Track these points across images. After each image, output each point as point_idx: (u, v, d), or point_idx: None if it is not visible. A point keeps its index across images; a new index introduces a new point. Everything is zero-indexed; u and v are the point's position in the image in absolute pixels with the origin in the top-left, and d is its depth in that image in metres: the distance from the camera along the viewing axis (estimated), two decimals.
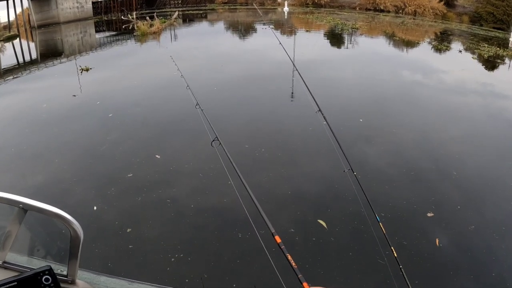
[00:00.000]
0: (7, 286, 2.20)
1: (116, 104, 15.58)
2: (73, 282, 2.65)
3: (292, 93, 16.02)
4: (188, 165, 10.52)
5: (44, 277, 2.30)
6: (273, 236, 3.58)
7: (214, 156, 5.15)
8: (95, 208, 8.54)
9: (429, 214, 8.51)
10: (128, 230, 7.92)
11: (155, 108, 15.06)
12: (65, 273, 2.62)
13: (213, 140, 5.02)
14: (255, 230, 4.01)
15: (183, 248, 7.36)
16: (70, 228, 2.46)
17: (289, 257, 3.37)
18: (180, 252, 7.24)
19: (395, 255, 4.92)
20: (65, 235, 2.55)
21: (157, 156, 10.79)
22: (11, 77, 22.25)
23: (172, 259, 7.08)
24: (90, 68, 21.68)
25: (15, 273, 2.45)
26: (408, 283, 4.62)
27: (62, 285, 2.43)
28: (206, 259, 7.14)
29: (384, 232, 5.09)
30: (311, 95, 6.49)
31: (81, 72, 21.15)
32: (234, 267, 6.92)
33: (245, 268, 6.81)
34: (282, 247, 3.49)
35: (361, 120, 13.50)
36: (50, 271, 2.32)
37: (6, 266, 2.57)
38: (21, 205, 2.42)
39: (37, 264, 2.63)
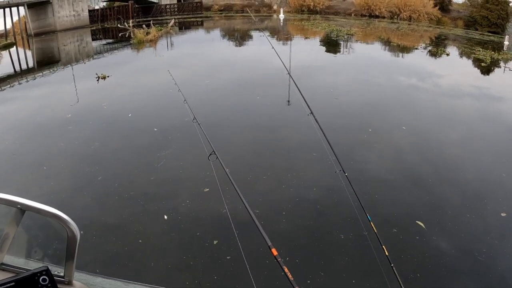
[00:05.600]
0: (5, 287, 2.20)
1: (150, 118, 14.85)
2: (69, 283, 2.65)
3: (288, 100, 16.08)
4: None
5: (41, 278, 2.30)
6: (270, 249, 3.64)
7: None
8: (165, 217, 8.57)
9: (503, 214, 8.71)
10: None
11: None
12: (61, 274, 2.62)
13: (210, 154, 5.12)
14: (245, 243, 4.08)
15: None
16: (67, 229, 2.48)
17: (286, 270, 3.44)
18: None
19: (387, 253, 5.00)
20: (62, 236, 2.55)
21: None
22: (8, 85, 22.22)
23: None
24: (108, 76, 21.39)
25: (12, 274, 2.44)
26: (400, 281, 4.70)
27: (59, 285, 2.42)
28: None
29: (376, 231, 5.19)
30: (303, 98, 6.60)
31: (98, 80, 20.95)
32: (231, 277, 6.93)
33: (242, 279, 6.80)
34: (279, 259, 3.53)
35: (370, 130, 13.53)
36: (47, 271, 2.32)
37: (3, 267, 2.58)
38: (19, 206, 2.43)
39: (34, 265, 2.62)
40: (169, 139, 12.57)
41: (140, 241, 7.90)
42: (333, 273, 6.98)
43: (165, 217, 8.53)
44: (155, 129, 13.34)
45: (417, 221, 8.27)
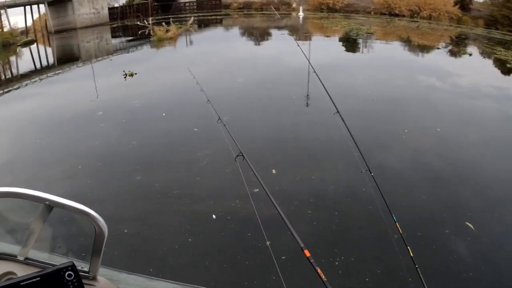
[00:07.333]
0: (30, 281, 2.20)
1: (185, 117, 14.73)
2: (94, 278, 2.67)
3: (307, 101, 16.05)
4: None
5: (67, 273, 2.29)
6: (302, 251, 3.68)
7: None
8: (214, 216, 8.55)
9: None
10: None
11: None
12: (85, 269, 2.64)
13: (237, 156, 5.12)
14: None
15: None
16: (95, 225, 2.50)
17: (319, 270, 3.49)
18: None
19: (411, 254, 4.97)
20: (85, 232, 2.61)
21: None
22: (30, 81, 22.45)
23: None
24: (135, 73, 21.49)
25: (37, 269, 2.46)
26: (424, 282, 4.67)
27: (83, 281, 2.41)
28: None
29: (401, 232, 5.16)
30: (330, 97, 6.60)
31: (125, 77, 21.12)
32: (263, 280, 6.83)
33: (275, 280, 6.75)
34: (312, 260, 3.59)
35: (396, 129, 13.39)
36: (73, 267, 2.32)
37: (28, 262, 2.61)
38: (47, 202, 2.45)
39: (57, 260, 2.68)
40: (211, 139, 12.14)
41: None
42: (355, 272, 6.96)
43: (214, 216, 8.52)
44: (195, 129, 13.22)
45: (466, 223, 8.18)
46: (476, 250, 7.57)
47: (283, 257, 6.62)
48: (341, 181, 10.06)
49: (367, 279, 6.77)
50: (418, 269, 4.84)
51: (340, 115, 6.28)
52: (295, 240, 3.80)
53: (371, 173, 5.61)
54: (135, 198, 9.47)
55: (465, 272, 6.94)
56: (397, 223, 5.23)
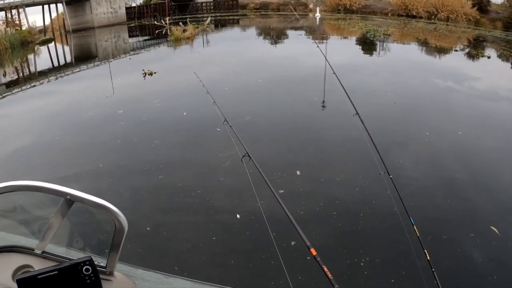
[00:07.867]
0: (48, 275, 2.21)
1: (205, 116, 14.00)
2: (111, 274, 2.69)
3: (326, 101, 16.01)
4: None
5: (84, 267, 2.30)
6: (309, 249, 3.69)
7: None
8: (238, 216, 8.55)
9: None
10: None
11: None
12: (102, 264, 2.65)
13: (243, 156, 5.12)
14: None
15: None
16: (115, 221, 2.50)
17: (325, 269, 3.50)
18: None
19: (428, 258, 4.94)
20: (103, 227, 2.67)
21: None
22: (46, 80, 22.61)
23: None
24: (155, 72, 21.73)
25: (54, 263, 2.48)
26: (440, 286, 4.64)
27: (100, 276, 2.41)
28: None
29: (418, 234, 5.13)
30: (349, 98, 6.57)
31: (145, 76, 21.33)
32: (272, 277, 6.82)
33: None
34: (318, 259, 3.59)
35: (415, 132, 13.30)
36: (90, 261, 2.33)
37: (45, 256, 2.63)
38: (68, 197, 2.45)
39: (74, 255, 2.68)
40: (232, 140, 12.05)
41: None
42: (371, 275, 6.94)
43: (238, 216, 8.51)
44: (218, 129, 13.19)
45: (491, 227, 8.06)
46: (500, 254, 7.50)
47: (295, 256, 6.66)
48: (357, 182, 10.00)
49: (392, 280, 6.77)
50: (434, 272, 4.80)
51: (360, 117, 6.26)
52: (307, 239, 3.81)
53: (389, 175, 5.58)
54: (157, 196, 9.54)
55: (490, 276, 6.88)
56: (414, 226, 5.20)
